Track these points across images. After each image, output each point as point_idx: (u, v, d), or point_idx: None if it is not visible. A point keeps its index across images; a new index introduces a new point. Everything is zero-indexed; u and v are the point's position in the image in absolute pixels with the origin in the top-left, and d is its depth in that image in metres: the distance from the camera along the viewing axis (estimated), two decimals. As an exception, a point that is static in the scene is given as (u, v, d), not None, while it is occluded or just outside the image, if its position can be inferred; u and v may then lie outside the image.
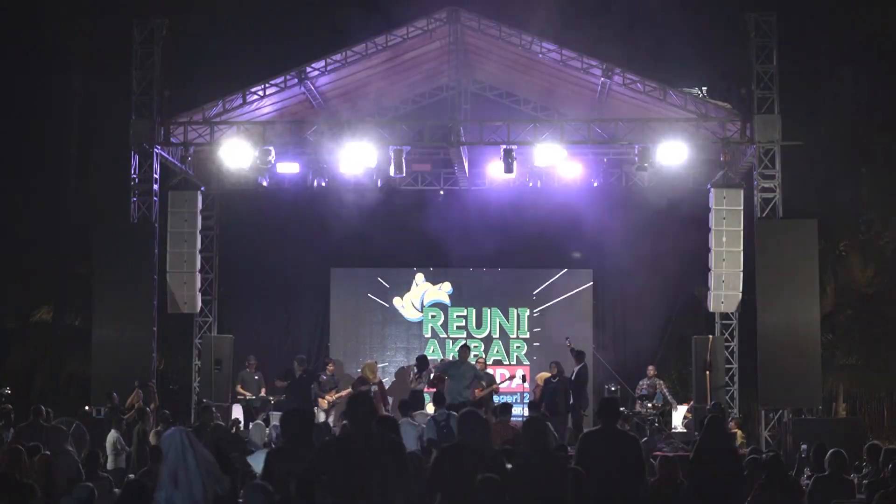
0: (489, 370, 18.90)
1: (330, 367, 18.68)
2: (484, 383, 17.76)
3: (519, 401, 18.75)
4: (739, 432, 17.73)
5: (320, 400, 17.70)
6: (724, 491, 9.15)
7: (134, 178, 18.39)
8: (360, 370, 18.94)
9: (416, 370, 18.11)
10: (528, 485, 7.21)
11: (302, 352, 20.16)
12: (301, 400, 17.24)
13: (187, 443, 7.05)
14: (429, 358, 19.18)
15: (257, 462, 10.47)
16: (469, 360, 17.87)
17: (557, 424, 15.54)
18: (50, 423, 13.75)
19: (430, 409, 15.64)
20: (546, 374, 17.97)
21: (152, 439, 14.29)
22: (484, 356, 19.74)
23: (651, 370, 18.76)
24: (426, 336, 21.01)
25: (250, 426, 15.86)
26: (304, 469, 6.53)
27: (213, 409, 16.50)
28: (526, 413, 16.58)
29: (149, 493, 6.87)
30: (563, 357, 18.25)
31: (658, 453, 14.78)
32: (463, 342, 19.61)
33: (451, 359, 18.01)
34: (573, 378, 17.51)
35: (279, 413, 17.17)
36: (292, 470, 6.82)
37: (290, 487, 6.70)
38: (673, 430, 17.88)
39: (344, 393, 18.32)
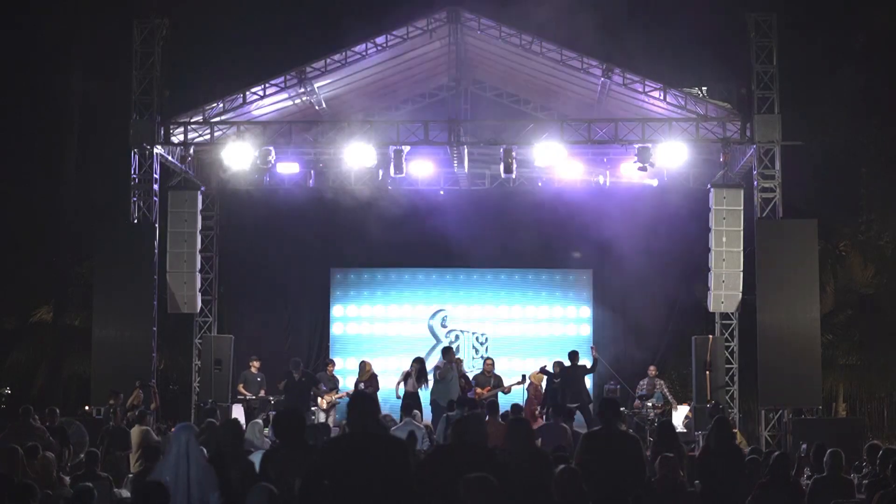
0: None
1: (330, 368, 18.66)
2: (472, 381, 17.76)
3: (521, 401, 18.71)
4: (738, 433, 17.74)
5: (320, 400, 17.69)
6: (728, 491, 9.23)
7: (134, 178, 18.40)
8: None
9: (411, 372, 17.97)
10: (514, 485, 7.23)
11: (302, 352, 20.19)
12: (298, 402, 17.24)
13: (183, 451, 7.02)
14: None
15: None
16: (452, 361, 17.78)
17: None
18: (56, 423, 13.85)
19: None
20: (539, 375, 17.98)
21: (135, 437, 14.28)
22: (493, 358, 19.66)
23: (652, 370, 18.76)
24: (426, 336, 20.99)
25: (245, 426, 15.83)
26: (307, 470, 6.51)
27: (216, 409, 16.54)
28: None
29: (167, 492, 6.82)
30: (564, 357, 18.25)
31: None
32: (447, 345, 19.39)
33: (439, 364, 17.97)
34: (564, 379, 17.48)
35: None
36: (285, 471, 6.81)
37: (292, 488, 6.67)
38: (673, 430, 17.86)
39: (344, 394, 18.34)
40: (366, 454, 6.34)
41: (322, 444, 7.14)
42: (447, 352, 17.98)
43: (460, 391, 17.09)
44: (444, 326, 20.99)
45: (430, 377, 17.67)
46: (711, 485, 9.29)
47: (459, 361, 18.35)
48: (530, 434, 7.74)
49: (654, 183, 19.90)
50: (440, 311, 21.09)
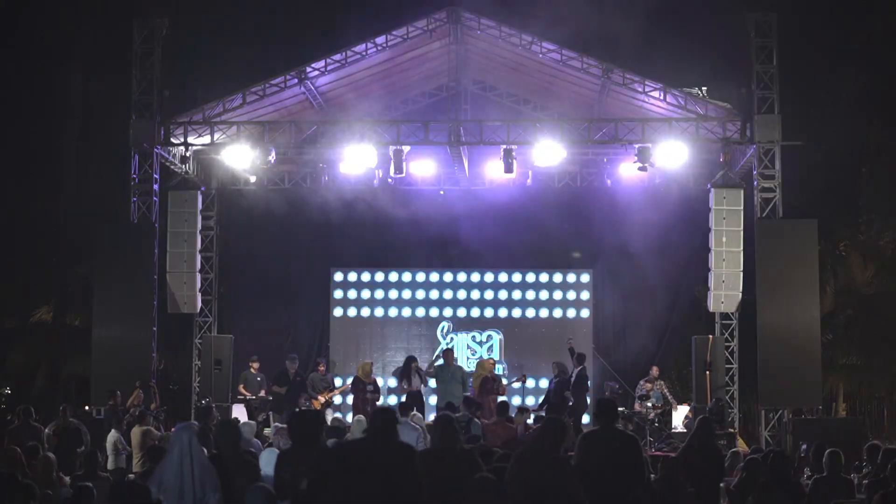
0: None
1: (321, 368, 18.63)
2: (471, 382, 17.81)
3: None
4: (737, 432, 17.72)
5: (314, 401, 17.66)
6: (704, 487, 9.54)
7: (134, 178, 18.39)
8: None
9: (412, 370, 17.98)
10: (531, 483, 7.24)
11: (302, 352, 20.20)
12: (295, 402, 17.33)
13: (186, 450, 7.02)
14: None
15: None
16: (452, 363, 17.84)
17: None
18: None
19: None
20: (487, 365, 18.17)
21: (135, 437, 14.26)
22: (495, 358, 19.72)
23: (654, 370, 18.76)
24: (426, 336, 20.97)
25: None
26: (312, 475, 6.49)
27: (214, 409, 16.56)
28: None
29: (146, 493, 6.83)
30: (564, 357, 18.26)
31: (659, 453, 14.80)
32: (449, 347, 19.40)
33: (437, 363, 18.06)
34: (573, 380, 17.47)
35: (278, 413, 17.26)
36: (298, 472, 6.79)
37: (299, 488, 6.65)
38: (673, 430, 17.89)
39: (337, 392, 18.38)
40: (371, 458, 6.30)
41: (323, 449, 7.11)
42: (447, 353, 18.02)
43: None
44: (443, 336, 20.90)
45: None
46: (692, 482, 9.48)
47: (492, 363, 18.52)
48: (564, 434, 7.73)
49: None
50: (440, 311, 21.03)
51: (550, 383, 17.62)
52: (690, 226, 19.52)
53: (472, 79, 20.50)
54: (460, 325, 20.96)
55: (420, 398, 16.99)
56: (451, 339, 20.68)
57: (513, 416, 14.18)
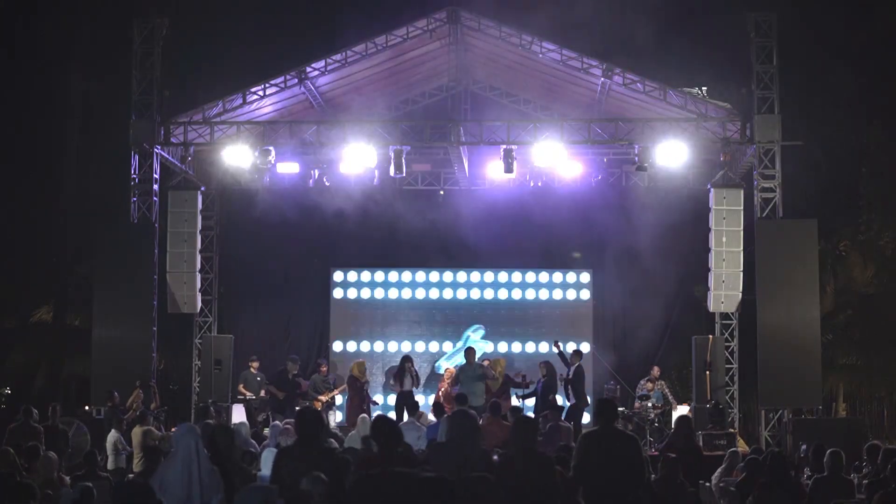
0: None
1: (323, 369, 18.63)
2: (489, 383, 17.85)
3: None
4: (736, 432, 17.71)
5: (314, 402, 17.67)
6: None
7: (134, 178, 18.39)
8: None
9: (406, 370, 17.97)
10: (512, 483, 7.25)
11: (302, 352, 20.19)
12: (294, 404, 17.37)
13: (193, 456, 7.03)
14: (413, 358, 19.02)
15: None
16: (475, 361, 17.89)
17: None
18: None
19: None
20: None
21: (135, 437, 14.26)
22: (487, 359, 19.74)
23: (655, 370, 18.74)
24: (426, 336, 20.96)
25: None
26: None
27: (213, 409, 16.56)
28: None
29: (150, 493, 6.83)
30: (555, 358, 18.24)
31: (656, 453, 14.78)
32: (469, 346, 19.44)
33: (461, 366, 18.16)
34: (571, 377, 17.45)
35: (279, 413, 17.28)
36: (297, 470, 6.78)
37: (300, 487, 6.63)
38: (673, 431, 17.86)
39: (337, 391, 18.39)
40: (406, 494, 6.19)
41: (353, 474, 7.07)
42: (469, 352, 17.99)
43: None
44: (443, 327, 20.88)
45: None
46: None
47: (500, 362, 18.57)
48: (534, 434, 7.75)
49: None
50: (439, 311, 21.00)
51: (538, 384, 17.55)
52: (690, 226, 19.51)
53: (472, 79, 20.50)
54: (460, 323, 20.91)
55: (411, 398, 16.96)
56: (485, 342, 20.61)
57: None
